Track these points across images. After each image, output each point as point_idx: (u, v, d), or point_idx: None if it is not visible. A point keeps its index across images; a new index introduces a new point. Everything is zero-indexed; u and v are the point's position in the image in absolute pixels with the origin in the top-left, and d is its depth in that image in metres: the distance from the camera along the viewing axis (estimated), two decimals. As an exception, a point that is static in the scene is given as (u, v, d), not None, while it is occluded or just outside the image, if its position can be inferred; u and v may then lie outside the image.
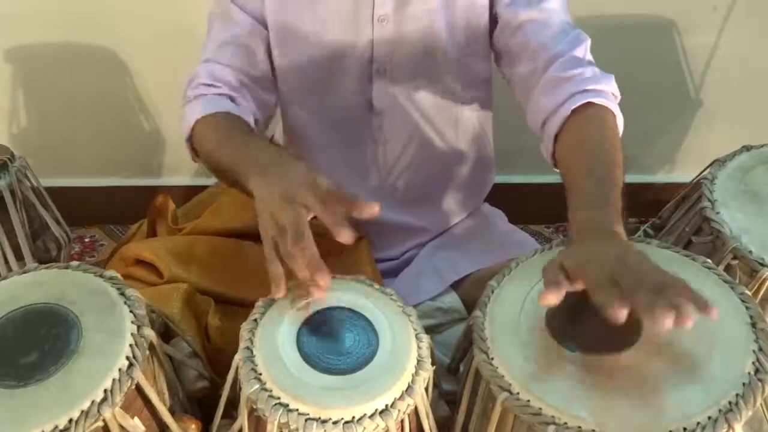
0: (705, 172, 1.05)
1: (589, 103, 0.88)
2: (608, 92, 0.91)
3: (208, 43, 1.02)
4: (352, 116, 1.06)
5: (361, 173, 1.11)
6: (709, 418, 0.65)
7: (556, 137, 0.90)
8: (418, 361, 0.74)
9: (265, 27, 1.01)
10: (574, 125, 0.88)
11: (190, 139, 0.96)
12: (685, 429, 0.65)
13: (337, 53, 1.01)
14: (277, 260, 0.74)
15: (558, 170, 0.90)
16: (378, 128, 1.07)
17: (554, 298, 0.67)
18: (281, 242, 0.74)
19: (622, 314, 0.63)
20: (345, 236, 0.71)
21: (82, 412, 0.67)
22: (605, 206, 0.76)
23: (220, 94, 0.97)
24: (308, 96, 1.06)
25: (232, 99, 0.97)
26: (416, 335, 0.77)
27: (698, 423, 0.65)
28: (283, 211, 0.74)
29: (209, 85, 0.97)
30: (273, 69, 1.04)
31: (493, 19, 1.00)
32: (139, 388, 0.73)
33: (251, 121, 0.96)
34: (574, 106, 0.88)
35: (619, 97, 0.93)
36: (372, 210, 0.73)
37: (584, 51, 0.94)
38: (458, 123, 1.10)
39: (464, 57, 1.03)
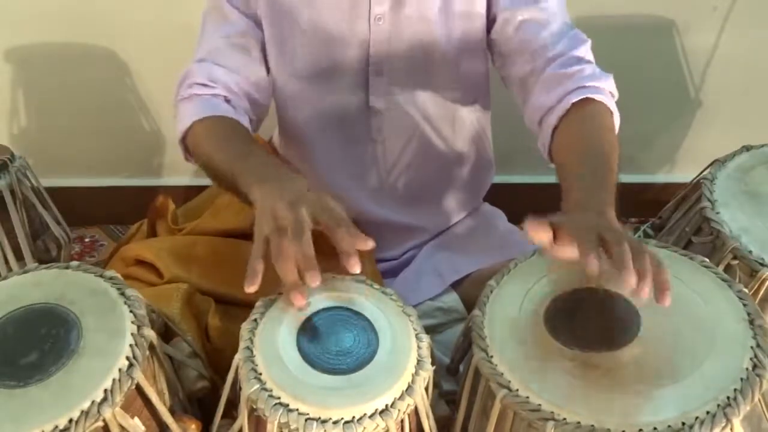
0: (705, 172, 1.05)
1: (588, 99, 0.89)
2: (607, 90, 0.92)
3: (201, 41, 1.01)
4: (349, 116, 1.06)
5: (361, 173, 1.11)
6: (708, 413, 0.66)
7: (553, 132, 0.91)
8: (418, 361, 0.74)
9: (260, 26, 1.00)
10: (572, 121, 0.89)
11: (184, 140, 0.96)
12: (683, 424, 0.65)
13: (334, 52, 1.00)
14: (261, 257, 0.74)
15: (553, 165, 0.90)
16: (376, 128, 1.07)
17: (536, 231, 0.70)
18: (276, 240, 0.73)
19: (595, 265, 0.65)
20: (354, 266, 0.72)
21: (82, 412, 0.67)
22: (599, 190, 0.78)
23: (215, 95, 0.96)
24: (305, 95, 1.05)
25: (227, 101, 0.96)
26: (416, 335, 0.77)
27: (697, 418, 0.65)
28: (287, 212, 0.74)
29: (204, 85, 0.96)
30: (268, 70, 1.04)
31: (492, 20, 1.00)
32: (139, 388, 0.73)
33: (247, 123, 0.96)
34: (574, 100, 0.89)
35: (617, 96, 0.93)
36: (366, 245, 0.75)
37: (585, 51, 0.95)
38: (456, 122, 1.10)
39: (460, 58, 1.03)
